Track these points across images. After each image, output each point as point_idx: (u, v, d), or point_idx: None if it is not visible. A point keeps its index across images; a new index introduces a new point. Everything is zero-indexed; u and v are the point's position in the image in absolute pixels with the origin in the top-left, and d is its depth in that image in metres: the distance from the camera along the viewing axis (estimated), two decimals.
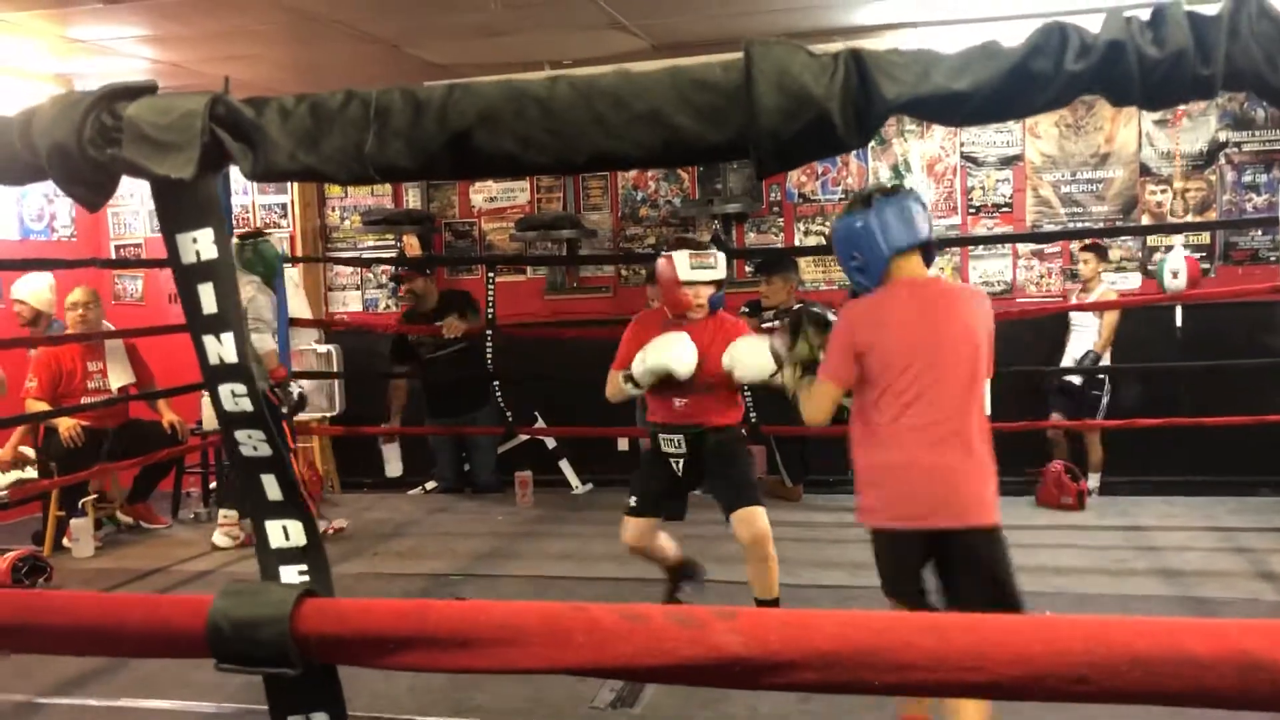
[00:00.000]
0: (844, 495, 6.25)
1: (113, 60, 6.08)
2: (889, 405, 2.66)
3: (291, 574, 1.19)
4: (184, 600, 1.17)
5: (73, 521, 5.52)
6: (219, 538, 5.44)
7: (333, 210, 7.89)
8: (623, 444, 7.06)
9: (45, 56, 6.04)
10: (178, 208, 1.09)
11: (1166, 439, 5.79)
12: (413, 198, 7.67)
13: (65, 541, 5.59)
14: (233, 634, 1.12)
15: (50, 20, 5.35)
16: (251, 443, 1.15)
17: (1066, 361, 6.26)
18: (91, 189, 1.07)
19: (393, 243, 7.62)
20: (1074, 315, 6.29)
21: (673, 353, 3.73)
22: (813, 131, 0.96)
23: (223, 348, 1.12)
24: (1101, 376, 6.10)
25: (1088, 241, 6.18)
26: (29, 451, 5.56)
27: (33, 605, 1.21)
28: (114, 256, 7.83)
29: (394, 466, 6.64)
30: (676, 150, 1.00)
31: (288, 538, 1.19)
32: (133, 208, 7.80)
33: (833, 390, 2.77)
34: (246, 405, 1.12)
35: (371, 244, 7.76)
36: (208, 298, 1.10)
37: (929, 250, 2.77)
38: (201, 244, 1.09)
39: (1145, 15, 0.92)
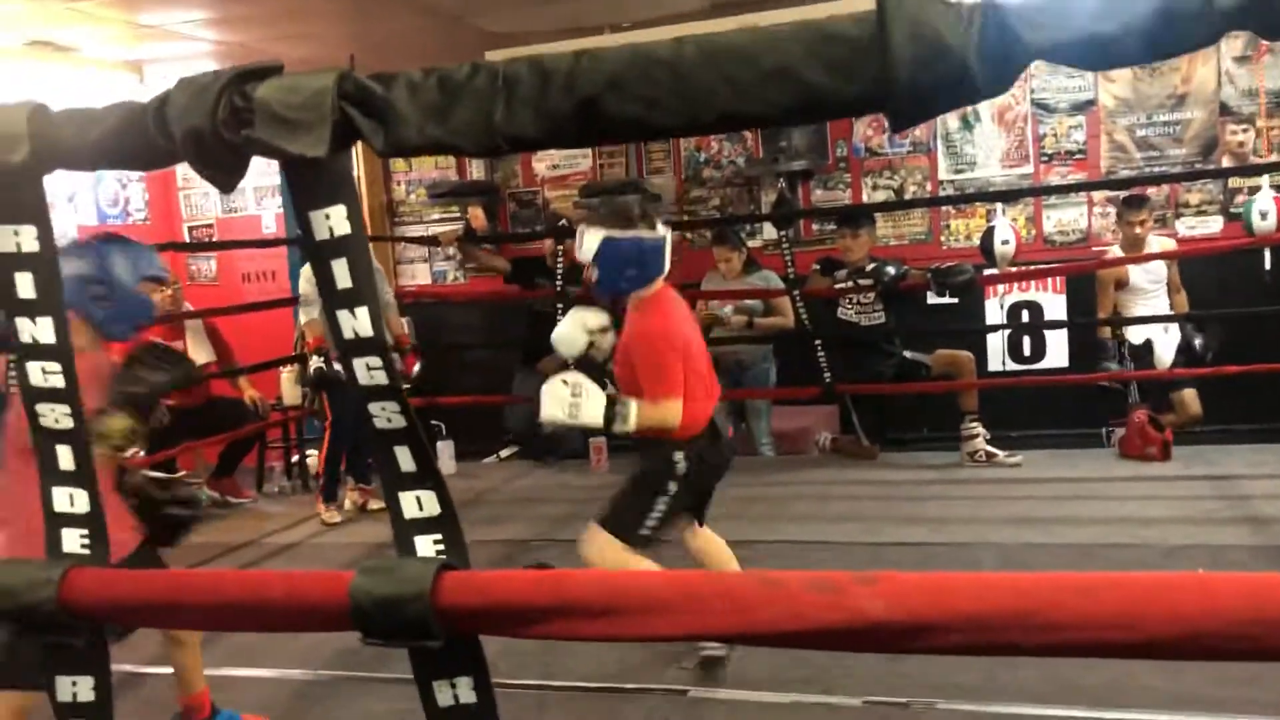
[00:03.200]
0: (921, 453, 6.22)
1: (178, 44, 6.16)
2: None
3: (426, 544, 1.21)
4: (324, 577, 1.19)
5: None
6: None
7: (398, 184, 7.95)
8: None
9: (115, 44, 6.14)
10: (310, 186, 1.10)
11: (1254, 385, 5.65)
12: (476, 169, 7.70)
13: None
14: (375, 611, 1.14)
15: (119, 8, 5.43)
16: (385, 415, 1.16)
17: (1155, 328, 5.86)
18: (225, 170, 1.09)
19: (459, 215, 7.67)
20: (1135, 278, 5.86)
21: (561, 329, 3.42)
22: (950, 81, 0.94)
23: (357, 322, 1.13)
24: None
25: (1126, 195, 5.89)
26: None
27: (182, 584, 1.24)
28: (187, 238, 7.97)
29: None
30: (808, 106, 0.98)
31: (421, 508, 1.21)
32: (203, 189, 7.92)
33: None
34: (381, 378, 1.14)
35: (437, 216, 7.81)
36: (341, 273, 1.12)
37: None
38: (334, 220, 1.10)
39: None
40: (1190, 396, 5.76)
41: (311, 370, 5.37)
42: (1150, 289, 5.81)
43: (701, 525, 3.49)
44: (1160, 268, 5.80)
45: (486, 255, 6.95)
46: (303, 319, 5.68)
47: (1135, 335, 5.83)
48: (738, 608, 1.06)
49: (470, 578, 1.15)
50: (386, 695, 3.32)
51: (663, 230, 3.26)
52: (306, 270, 5.45)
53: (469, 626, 1.15)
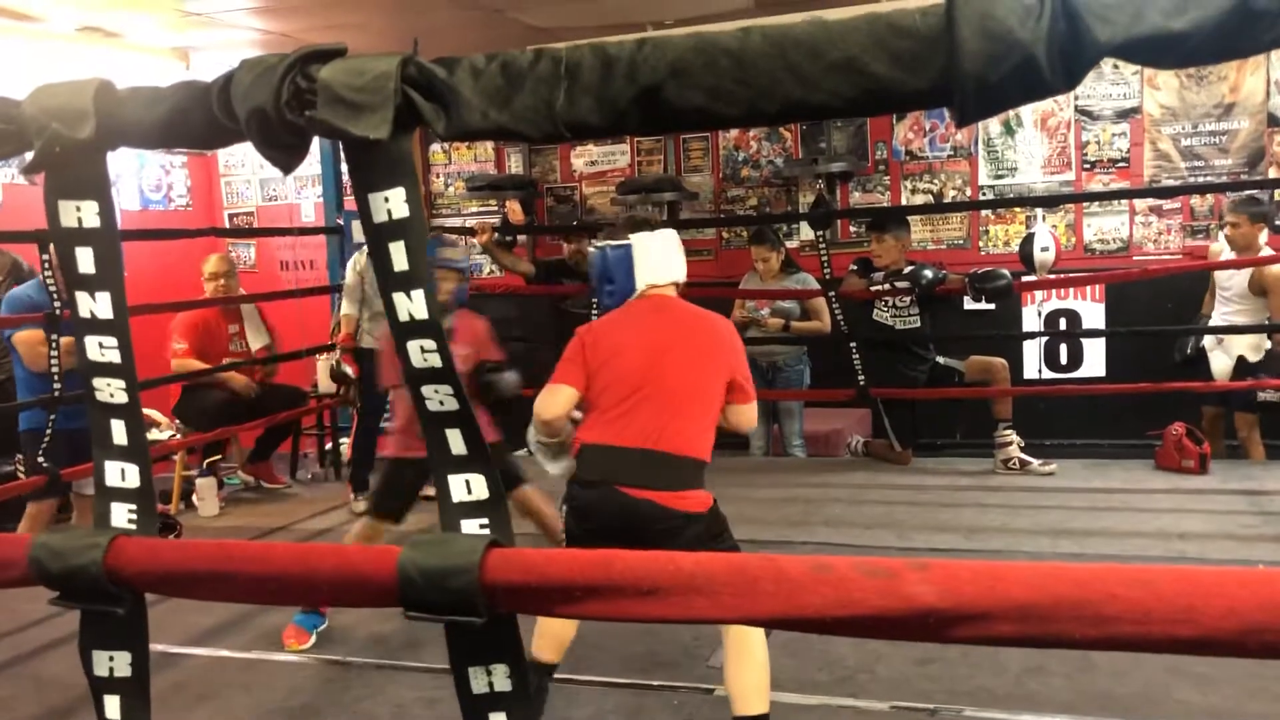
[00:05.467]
0: (954, 458, 6.17)
1: (224, 32, 6.22)
2: None
3: (473, 527, 1.22)
4: (373, 550, 1.20)
5: (199, 481, 5.73)
6: None
7: (437, 177, 7.99)
8: None
9: (162, 30, 6.21)
10: (370, 168, 1.11)
11: None
12: (515, 163, 7.72)
13: (192, 499, 5.81)
14: (423, 583, 1.14)
15: None
16: (438, 397, 1.17)
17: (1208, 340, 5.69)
18: (287, 152, 1.10)
19: (496, 208, 7.69)
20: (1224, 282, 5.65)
21: None
22: (1018, 76, 0.93)
23: (412, 304, 1.14)
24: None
25: (1234, 195, 5.69)
26: (157, 414, 5.77)
27: (233, 554, 1.25)
28: (227, 225, 8.05)
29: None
30: (873, 99, 0.98)
31: (470, 491, 1.21)
32: (244, 177, 8.00)
33: None
34: (435, 361, 1.15)
35: (475, 210, 7.84)
36: (398, 256, 1.13)
37: None
38: (393, 203, 1.11)
39: None
40: (1241, 419, 5.67)
41: (329, 366, 5.44)
42: (1224, 297, 5.65)
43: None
44: (1233, 279, 5.58)
45: (510, 258, 6.82)
46: (342, 310, 5.69)
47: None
48: (787, 591, 1.05)
49: (518, 554, 1.15)
50: (416, 684, 3.34)
51: (636, 237, 2.88)
52: (356, 262, 5.51)
53: (513, 604, 1.15)
